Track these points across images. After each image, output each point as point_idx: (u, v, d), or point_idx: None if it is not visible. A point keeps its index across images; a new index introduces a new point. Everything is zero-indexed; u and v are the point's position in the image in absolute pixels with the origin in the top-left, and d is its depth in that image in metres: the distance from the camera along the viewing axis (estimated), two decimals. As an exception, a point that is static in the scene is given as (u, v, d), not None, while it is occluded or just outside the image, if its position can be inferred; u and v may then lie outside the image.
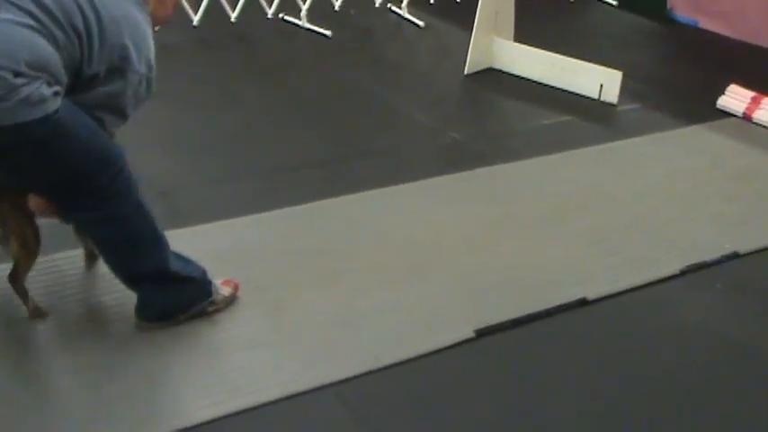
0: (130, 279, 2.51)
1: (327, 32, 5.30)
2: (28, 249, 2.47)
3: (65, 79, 2.16)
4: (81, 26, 2.15)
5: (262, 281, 2.80)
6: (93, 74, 2.21)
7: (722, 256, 3.09)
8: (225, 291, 2.66)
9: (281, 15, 5.51)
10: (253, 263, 2.90)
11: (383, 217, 3.27)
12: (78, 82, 2.21)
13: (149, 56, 2.30)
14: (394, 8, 5.83)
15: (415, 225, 3.22)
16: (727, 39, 5.67)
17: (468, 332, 2.61)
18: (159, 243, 2.47)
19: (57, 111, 2.13)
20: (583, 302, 2.80)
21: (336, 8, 5.69)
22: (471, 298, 2.80)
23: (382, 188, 3.46)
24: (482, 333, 2.61)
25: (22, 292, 2.53)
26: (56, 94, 2.13)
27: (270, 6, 5.48)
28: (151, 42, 2.31)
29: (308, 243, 3.06)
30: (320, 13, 5.50)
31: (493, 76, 4.84)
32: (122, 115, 2.32)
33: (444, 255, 3.03)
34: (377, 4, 5.85)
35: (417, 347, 2.54)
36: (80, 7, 2.16)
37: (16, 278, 2.51)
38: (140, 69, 2.26)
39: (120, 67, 2.23)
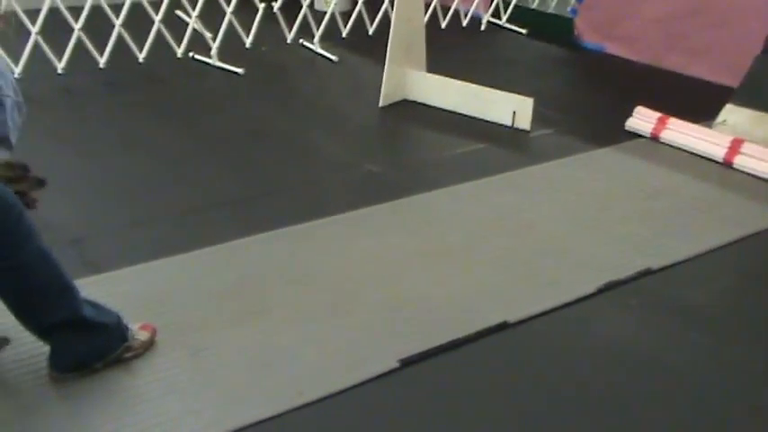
0: (41, 330, 2.41)
1: (239, 70, 5.28)
2: None
3: None
4: None
5: (180, 324, 2.73)
6: None
7: (636, 273, 3.16)
8: (142, 335, 2.59)
9: (190, 54, 5.46)
10: (170, 306, 2.83)
11: (301, 253, 3.24)
12: None
13: (13, 81, 2.31)
14: (306, 43, 5.85)
15: (333, 259, 3.20)
16: (633, 62, 5.87)
17: (392, 363, 2.59)
18: (69, 291, 2.38)
19: None
20: (504, 326, 2.82)
21: (247, 45, 5.67)
22: (394, 329, 2.78)
23: (299, 224, 3.43)
24: (406, 363, 2.60)
25: None
26: None
27: (179, 46, 5.43)
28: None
29: (226, 283, 3.00)
30: (231, 51, 5.48)
31: (407, 108, 4.89)
32: (8, 145, 2.27)
33: (364, 288, 3.02)
34: (288, 41, 5.86)
35: (341, 381, 2.51)
36: None
37: None
38: (10, 94, 2.26)
39: None
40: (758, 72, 4.55)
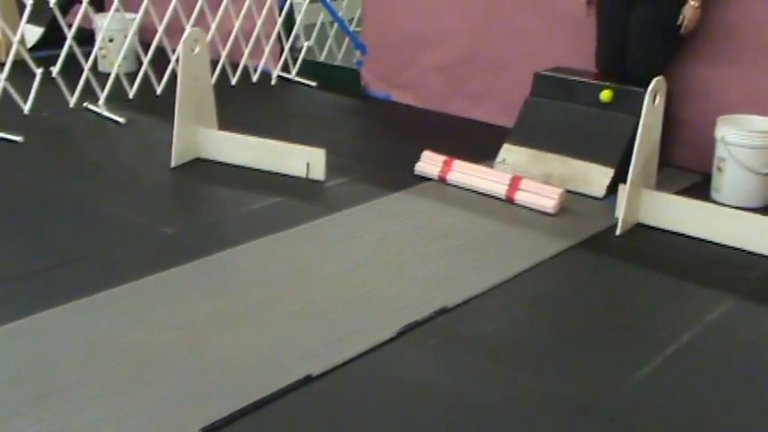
0: None
1: (18, 138, 5.02)
2: None
3: None
4: None
5: (-41, 418, 2.53)
6: None
7: (433, 313, 3.27)
8: None
9: (-38, 125, 5.14)
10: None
11: (94, 326, 3.10)
12: None
13: None
14: (91, 106, 5.65)
15: (130, 329, 3.09)
16: (418, 109, 6.11)
17: (194, 432, 2.53)
18: None
19: None
20: (308, 380, 2.82)
21: (26, 112, 5.40)
22: (195, 396, 2.72)
23: (92, 295, 3.29)
24: (208, 431, 2.54)
25: None
26: None
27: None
28: None
29: (9, 369, 2.81)
30: (7, 118, 5.19)
31: (201, 167, 4.83)
32: None
33: (163, 356, 2.93)
34: (71, 105, 5.63)
35: (143, 458, 2.42)
36: None
37: None
38: None
39: None
40: (529, 113, 4.89)
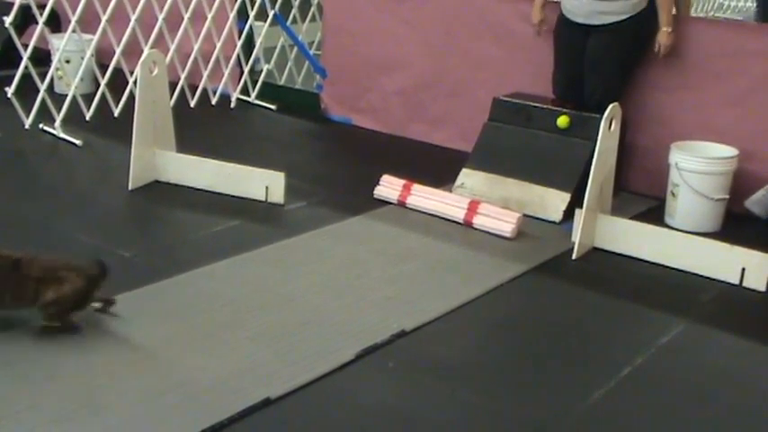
0: None
1: (-28, 159, 4.96)
2: None
3: None
4: None
5: None
6: None
7: (391, 336, 3.28)
8: None
9: None
10: None
11: (48, 349, 3.05)
12: None
13: None
14: (47, 128, 5.59)
15: (85, 353, 3.04)
16: (378, 133, 6.14)
17: (151, 457, 2.50)
18: None
19: None
20: (267, 402, 2.81)
21: (-21, 134, 5.34)
22: (153, 420, 2.69)
23: (46, 319, 3.24)
24: (166, 455, 2.52)
25: None
26: None
27: None
28: None
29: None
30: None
31: (159, 189, 4.79)
32: None
33: (120, 380, 2.89)
34: (27, 126, 5.57)
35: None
36: None
37: None
38: None
39: None
40: (487, 138, 4.95)
